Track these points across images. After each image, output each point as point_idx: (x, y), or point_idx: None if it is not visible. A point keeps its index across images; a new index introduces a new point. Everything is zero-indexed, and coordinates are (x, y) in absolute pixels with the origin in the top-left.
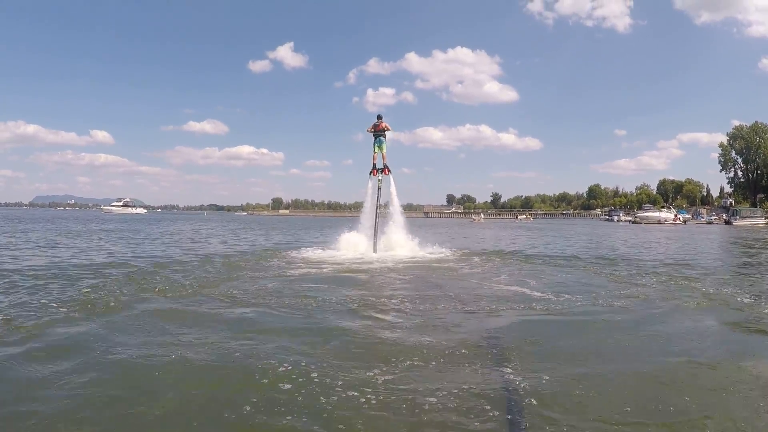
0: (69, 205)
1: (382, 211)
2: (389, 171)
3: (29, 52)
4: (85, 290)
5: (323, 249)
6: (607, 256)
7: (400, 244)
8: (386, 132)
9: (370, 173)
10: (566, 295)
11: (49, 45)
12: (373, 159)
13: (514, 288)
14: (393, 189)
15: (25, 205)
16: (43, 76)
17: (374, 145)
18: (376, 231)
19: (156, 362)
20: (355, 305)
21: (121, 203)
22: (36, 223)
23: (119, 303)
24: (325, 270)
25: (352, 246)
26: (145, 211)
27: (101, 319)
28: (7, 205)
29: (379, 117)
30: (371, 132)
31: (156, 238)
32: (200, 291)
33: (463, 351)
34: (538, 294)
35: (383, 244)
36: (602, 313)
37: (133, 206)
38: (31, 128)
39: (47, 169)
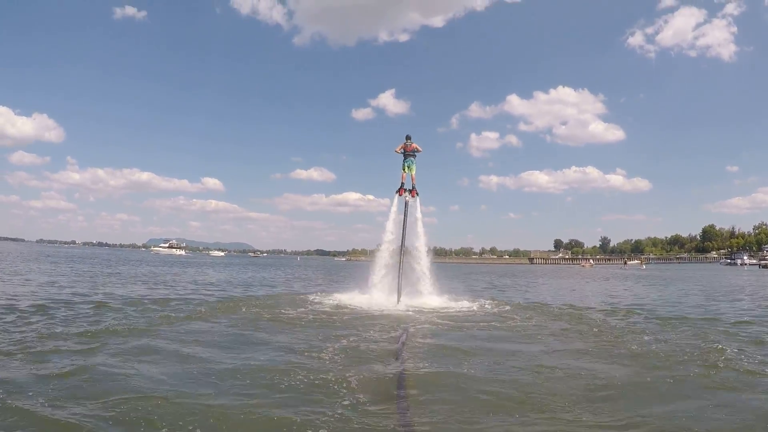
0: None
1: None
2: (417, 193)
3: (143, 108)
4: None
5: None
6: None
7: (428, 293)
8: (416, 153)
9: (397, 192)
10: None
11: (162, 103)
12: (402, 178)
13: None
14: (419, 213)
15: (140, 247)
16: (156, 130)
17: (404, 164)
18: (400, 278)
19: None
20: None
21: (167, 245)
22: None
23: None
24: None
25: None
26: (222, 254)
27: None
28: (122, 246)
29: (408, 137)
30: (400, 153)
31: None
32: None
33: None
34: None
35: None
36: None
37: (178, 247)
38: (145, 175)
39: (161, 214)
